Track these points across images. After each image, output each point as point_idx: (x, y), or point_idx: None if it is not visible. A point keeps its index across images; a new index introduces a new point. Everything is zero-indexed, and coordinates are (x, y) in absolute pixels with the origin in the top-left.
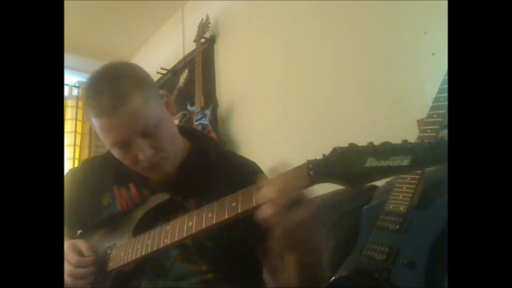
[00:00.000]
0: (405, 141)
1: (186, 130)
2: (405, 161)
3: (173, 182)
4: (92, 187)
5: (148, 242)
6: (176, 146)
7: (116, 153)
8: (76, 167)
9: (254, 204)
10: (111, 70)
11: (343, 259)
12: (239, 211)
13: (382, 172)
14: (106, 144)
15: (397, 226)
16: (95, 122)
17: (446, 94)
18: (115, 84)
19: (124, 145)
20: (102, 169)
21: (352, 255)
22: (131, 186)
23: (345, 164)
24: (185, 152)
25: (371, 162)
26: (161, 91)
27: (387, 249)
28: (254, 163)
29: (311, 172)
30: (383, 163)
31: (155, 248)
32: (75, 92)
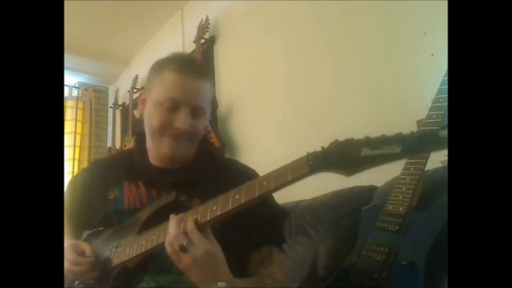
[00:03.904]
0: (398, 134)
1: None
2: (397, 149)
3: (179, 181)
4: (100, 184)
5: (153, 237)
6: (196, 143)
7: (158, 110)
8: (85, 168)
9: (257, 195)
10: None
11: (342, 259)
12: (242, 201)
13: (376, 160)
14: (157, 97)
15: (397, 227)
16: (170, 75)
17: (445, 95)
18: (203, 66)
19: (175, 105)
20: (112, 166)
21: (351, 255)
22: (141, 184)
23: (342, 154)
24: (192, 156)
25: (365, 151)
26: None
27: (386, 250)
28: (253, 170)
29: (311, 162)
30: (376, 152)
31: (160, 242)
32: (75, 92)
